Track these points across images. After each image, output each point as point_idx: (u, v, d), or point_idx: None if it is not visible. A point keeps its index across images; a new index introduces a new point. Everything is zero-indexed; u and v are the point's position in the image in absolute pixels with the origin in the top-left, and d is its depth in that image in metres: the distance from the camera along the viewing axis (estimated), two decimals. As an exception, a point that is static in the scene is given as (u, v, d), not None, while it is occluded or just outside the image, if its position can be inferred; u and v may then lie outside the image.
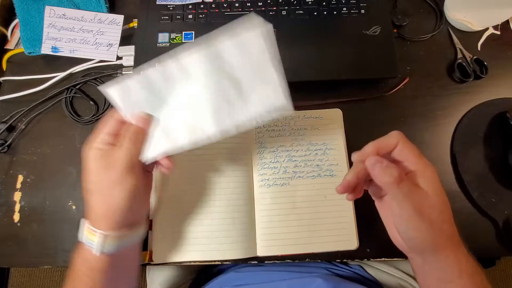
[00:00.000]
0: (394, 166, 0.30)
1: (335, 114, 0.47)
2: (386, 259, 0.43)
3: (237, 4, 0.52)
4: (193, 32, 0.51)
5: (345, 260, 0.48)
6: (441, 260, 0.31)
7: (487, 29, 0.53)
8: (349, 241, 0.42)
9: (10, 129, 0.49)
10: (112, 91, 0.33)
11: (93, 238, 0.31)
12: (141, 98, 0.33)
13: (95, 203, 0.32)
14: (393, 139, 0.31)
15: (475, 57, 0.50)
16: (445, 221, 0.30)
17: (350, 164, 0.45)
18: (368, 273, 0.52)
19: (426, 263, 0.32)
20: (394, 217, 0.31)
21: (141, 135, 0.33)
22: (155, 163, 0.35)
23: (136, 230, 0.35)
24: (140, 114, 0.34)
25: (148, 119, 0.34)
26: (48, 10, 0.50)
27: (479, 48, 0.52)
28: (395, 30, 0.51)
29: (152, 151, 0.33)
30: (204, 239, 0.41)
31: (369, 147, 0.32)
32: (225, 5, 0.52)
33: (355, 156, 0.33)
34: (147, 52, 0.49)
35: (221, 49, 0.31)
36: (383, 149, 0.32)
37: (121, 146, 0.32)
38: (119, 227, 0.32)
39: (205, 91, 0.32)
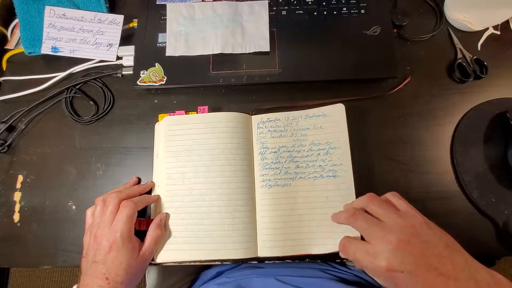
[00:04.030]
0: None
1: (338, 109, 0.45)
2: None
3: (237, 4, 0.52)
4: (193, 32, 0.50)
5: (344, 261, 0.48)
6: None
7: (487, 29, 0.53)
8: None
9: (10, 129, 0.49)
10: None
11: None
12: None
13: None
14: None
15: (475, 57, 0.50)
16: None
17: (353, 165, 0.42)
18: (368, 275, 0.51)
19: None
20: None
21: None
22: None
23: None
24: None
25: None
26: (48, 10, 0.50)
27: (479, 48, 0.52)
28: (395, 30, 0.51)
29: (173, 50, 0.49)
30: (205, 239, 0.41)
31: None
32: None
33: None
34: (147, 52, 0.49)
35: (240, 4, 0.51)
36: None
37: None
38: None
39: (222, 27, 0.50)
